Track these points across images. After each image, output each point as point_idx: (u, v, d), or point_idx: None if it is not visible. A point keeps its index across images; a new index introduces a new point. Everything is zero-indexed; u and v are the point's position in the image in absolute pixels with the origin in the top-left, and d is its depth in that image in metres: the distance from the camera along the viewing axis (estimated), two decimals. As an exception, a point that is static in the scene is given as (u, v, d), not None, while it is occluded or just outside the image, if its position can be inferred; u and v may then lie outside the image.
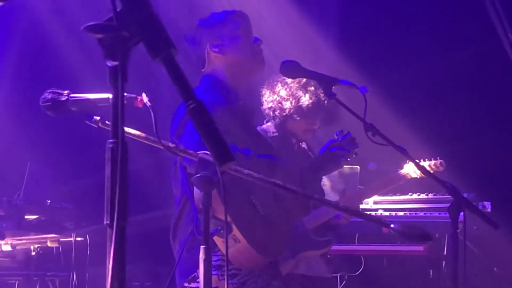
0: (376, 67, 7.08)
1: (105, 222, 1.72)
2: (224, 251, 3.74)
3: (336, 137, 4.65)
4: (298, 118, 4.97)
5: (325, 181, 5.47)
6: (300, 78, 4.88)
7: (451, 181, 4.01)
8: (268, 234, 3.99)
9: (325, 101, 4.89)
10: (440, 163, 5.46)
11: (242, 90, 4.30)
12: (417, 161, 4.18)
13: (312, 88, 4.91)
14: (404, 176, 5.32)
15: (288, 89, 4.94)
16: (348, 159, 4.60)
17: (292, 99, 4.91)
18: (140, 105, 3.01)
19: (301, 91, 4.92)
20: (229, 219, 3.61)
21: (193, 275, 3.97)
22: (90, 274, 6.35)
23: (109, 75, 1.72)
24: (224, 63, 4.20)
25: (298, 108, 4.92)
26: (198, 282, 3.91)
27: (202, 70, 4.27)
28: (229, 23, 4.25)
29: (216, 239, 3.60)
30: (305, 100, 4.90)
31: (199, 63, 4.27)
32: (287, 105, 4.92)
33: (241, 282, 3.94)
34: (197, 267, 3.88)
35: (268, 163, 3.96)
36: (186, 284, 3.99)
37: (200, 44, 4.24)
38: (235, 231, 3.74)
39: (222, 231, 3.49)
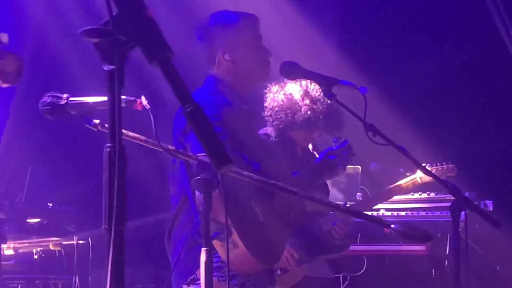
0: (376, 68, 7.08)
1: (103, 227, 1.72)
2: (222, 255, 3.74)
3: (333, 145, 4.68)
4: (294, 129, 4.96)
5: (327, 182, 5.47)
6: (299, 88, 4.88)
7: (453, 180, 4.00)
8: (266, 240, 3.98)
9: (320, 116, 4.88)
10: (452, 168, 5.47)
11: (245, 93, 4.31)
12: (417, 160, 4.17)
13: (308, 102, 4.89)
14: (415, 183, 5.34)
15: (285, 101, 4.92)
16: (347, 167, 4.65)
17: (289, 111, 4.90)
18: (140, 108, 3.01)
19: (297, 105, 4.90)
20: (229, 222, 3.60)
21: (192, 277, 3.97)
22: (92, 277, 6.36)
23: (106, 79, 1.72)
24: (233, 70, 4.21)
25: (294, 122, 4.91)
26: (197, 284, 3.90)
27: (210, 72, 4.27)
28: (243, 29, 4.24)
29: (215, 243, 3.59)
30: (301, 115, 4.88)
31: (206, 61, 4.27)
32: (283, 117, 4.91)
33: (241, 283, 3.94)
34: (196, 268, 3.89)
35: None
36: (185, 286, 3.99)
37: (211, 46, 4.23)
38: (234, 236, 3.74)
39: (222, 235, 3.49)
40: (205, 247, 3.10)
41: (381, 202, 5.93)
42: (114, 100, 1.68)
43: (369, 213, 5.75)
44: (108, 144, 1.72)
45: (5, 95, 6.97)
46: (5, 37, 2.97)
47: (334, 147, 4.67)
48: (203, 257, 3.11)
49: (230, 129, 3.87)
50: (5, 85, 3.03)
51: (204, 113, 1.74)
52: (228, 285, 3.23)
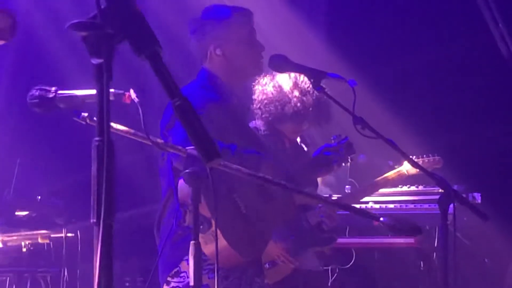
0: (365, 61, 7.08)
1: (91, 221, 1.71)
2: (203, 248, 3.73)
3: (332, 141, 4.69)
4: (284, 122, 4.96)
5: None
6: (288, 81, 4.89)
7: (441, 173, 4.01)
8: (247, 234, 3.98)
9: (310, 108, 4.88)
10: (438, 160, 5.48)
11: (237, 88, 4.31)
12: (405, 153, 4.17)
13: (298, 94, 4.89)
14: (402, 175, 5.35)
15: (274, 93, 4.92)
16: (343, 164, 4.65)
17: (278, 104, 4.90)
18: (128, 101, 3.00)
19: (286, 98, 4.90)
20: (209, 215, 3.61)
21: (176, 269, 3.97)
22: (81, 270, 6.34)
23: (94, 73, 1.71)
24: (225, 65, 4.21)
25: (284, 115, 4.91)
26: (181, 276, 3.91)
27: (202, 66, 4.27)
28: (235, 24, 4.23)
29: None
30: (290, 107, 4.88)
31: (199, 55, 4.27)
32: (272, 110, 4.91)
33: (224, 276, 3.93)
34: (180, 261, 3.89)
35: (254, 157, 3.96)
36: (169, 279, 3.99)
37: (203, 40, 4.22)
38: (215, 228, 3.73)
39: (201, 227, 3.48)
40: (193, 240, 3.10)
41: (368, 195, 5.93)
42: (102, 94, 1.68)
43: (357, 206, 5.77)
44: (97, 138, 1.71)
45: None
46: None
47: (332, 144, 4.69)
48: (191, 250, 3.11)
49: (213, 124, 3.86)
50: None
51: (192, 107, 1.74)
52: (218, 278, 3.23)
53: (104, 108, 1.68)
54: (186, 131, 1.73)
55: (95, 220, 1.70)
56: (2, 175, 6.58)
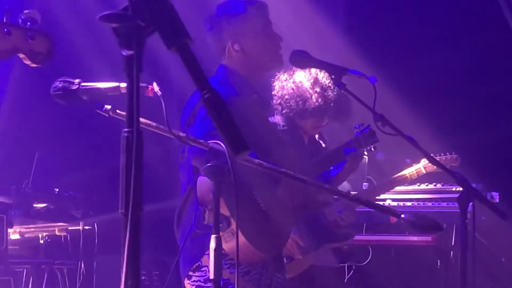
0: (385, 57, 7.06)
1: (120, 211, 1.72)
2: (223, 245, 3.74)
3: (354, 131, 4.72)
4: (304, 118, 4.97)
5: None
6: (309, 76, 4.89)
7: (460, 172, 4.00)
8: (267, 230, 3.97)
9: (331, 104, 4.89)
10: (456, 158, 5.46)
11: (257, 83, 4.30)
12: (425, 150, 4.16)
13: (319, 89, 4.90)
14: (419, 172, 5.35)
15: (295, 89, 4.92)
16: (365, 154, 4.69)
17: (299, 99, 4.91)
18: (151, 94, 2.99)
19: (307, 93, 4.90)
20: (228, 213, 3.61)
21: (197, 264, 3.98)
22: (98, 262, 6.37)
23: (124, 65, 1.72)
24: (243, 59, 4.20)
25: (305, 110, 4.92)
26: (202, 271, 3.92)
27: (221, 62, 4.27)
28: (250, 18, 4.22)
29: None
30: (311, 102, 4.89)
31: (217, 52, 4.27)
32: (293, 105, 4.92)
33: (245, 271, 3.94)
34: (201, 256, 3.90)
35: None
36: (190, 273, 4.00)
37: (220, 37, 4.21)
38: (234, 226, 3.73)
39: (221, 225, 3.49)
40: (214, 234, 3.11)
41: (385, 192, 5.92)
42: (132, 85, 1.68)
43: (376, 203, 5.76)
44: (126, 129, 1.72)
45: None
46: (38, 16, 2.92)
47: (355, 133, 4.73)
48: (212, 244, 3.12)
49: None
50: (34, 65, 3.00)
51: (221, 99, 1.74)
52: (237, 274, 3.24)
53: (134, 99, 1.69)
54: (214, 123, 1.74)
55: (123, 211, 1.71)
56: (21, 167, 6.61)
